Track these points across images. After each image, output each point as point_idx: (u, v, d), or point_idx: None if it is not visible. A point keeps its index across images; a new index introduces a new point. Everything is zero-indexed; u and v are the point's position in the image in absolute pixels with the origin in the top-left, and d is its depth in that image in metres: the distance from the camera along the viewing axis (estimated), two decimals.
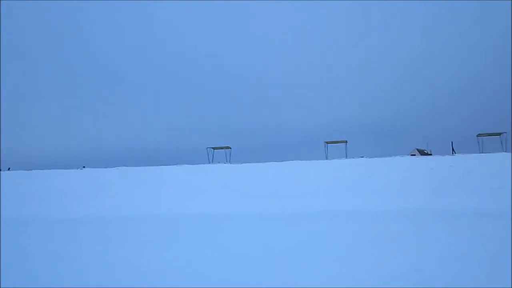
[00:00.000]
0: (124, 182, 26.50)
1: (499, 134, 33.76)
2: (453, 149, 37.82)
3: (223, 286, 5.98)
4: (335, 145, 36.08)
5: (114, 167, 30.72)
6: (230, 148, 37.06)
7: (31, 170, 30.27)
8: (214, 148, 37.30)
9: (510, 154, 27.01)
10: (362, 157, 30.70)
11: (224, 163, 32.65)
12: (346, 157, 33.40)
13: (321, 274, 6.62)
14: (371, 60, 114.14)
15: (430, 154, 39.45)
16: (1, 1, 68.86)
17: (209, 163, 34.55)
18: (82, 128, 79.01)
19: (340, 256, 7.98)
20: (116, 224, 15.51)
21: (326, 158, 32.65)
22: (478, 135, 34.16)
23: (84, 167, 31.90)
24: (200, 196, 22.96)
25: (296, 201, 20.22)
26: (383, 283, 5.92)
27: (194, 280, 6.41)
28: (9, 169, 32.80)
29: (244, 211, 18.84)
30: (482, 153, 29.88)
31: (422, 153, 55.01)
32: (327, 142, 35.46)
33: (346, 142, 34.92)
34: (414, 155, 37.26)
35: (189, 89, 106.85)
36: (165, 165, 31.40)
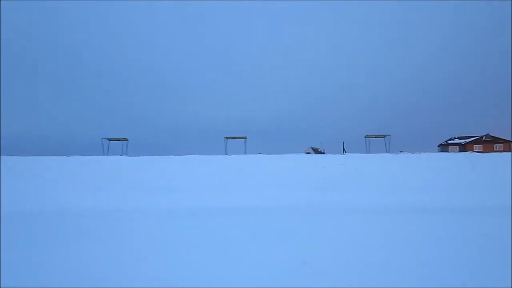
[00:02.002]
0: (11, 173, 24.24)
1: (384, 136, 36.78)
2: (344, 149, 40.38)
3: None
4: (234, 140, 36.52)
5: None
6: (127, 139, 35.68)
7: None
8: (110, 139, 35.60)
9: (392, 154, 29.54)
10: (260, 153, 31.46)
11: (120, 155, 31.34)
12: (245, 152, 33.97)
13: (215, 267, 6.59)
14: (273, 62, 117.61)
15: (323, 153, 41.66)
16: None
17: (104, 154, 32.94)
18: None
19: (234, 251, 8.02)
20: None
21: (226, 153, 32.91)
22: (366, 136, 36.87)
23: None
24: (90, 189, 21.74)
25: (194, 195, 20.04)
26: (273, 276, 6.05)
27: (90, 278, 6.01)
28: None
29: (138, 205, 18.21)
30: (369, 153, 32.24)
31: (316, 151, 57.93)
32: (227, 138, 35.77)
33: (246, 138, 35.52)
34: (309, 153, 39.12)
35: (89, 79, 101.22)
36: (56, 155, 29.34)
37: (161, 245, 8.72)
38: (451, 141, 68.37)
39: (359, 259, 7.20)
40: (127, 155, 31.91)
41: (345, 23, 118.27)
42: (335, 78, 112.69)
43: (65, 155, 29.30)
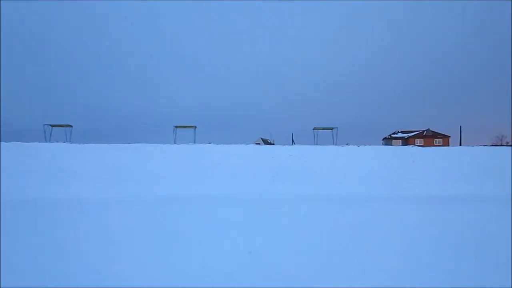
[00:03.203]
0: None
1: (331, 128, 37.60)
2: (293, 140, 40.94)
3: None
4: (184, 130, 36.05)
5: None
6: (71, 126, 34.29)
7: None
8: (52, 126, 34.05)
9: (339, 146, 30.27)
10: (209, 143, 31.24)
11: (64, 142, 30.08)
12: (195, 142, 33.64)
13: (161, 258, 6.50)
14: (223, 50, 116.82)
15: (273, 144, 42.06)
16: None
17: (46, 141, 31.51)
18: None
19: (179, 241, 7.94)
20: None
21: (174, 143, 32.43)
22: (314, 128, 37.55)
23: None
24: (31, 178, 20.77)
25: (141, 185, 19.66)
26: (220, 265, 6.04)
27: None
28: None
29: (83, 195, 17.63)
30: (317, 144, 32.85)
31: (266, 142, 58.36)
32: (176, 127, 35.24)
33: (195, 127, 35.14)
34: (259, 143, 39.34)
35: (33, 63, 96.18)
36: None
37: (101, 235, 8.50)
38: (395, 135, 71.20)
39: (306, 247, 7.34)
40: (71, 142, 30.70)
41: (307, 17, 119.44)
42: (284, 71, 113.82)
43: (3, 141, 27.71)
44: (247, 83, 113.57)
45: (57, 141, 30.90)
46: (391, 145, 50.69)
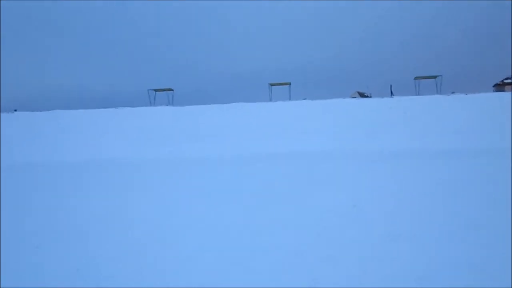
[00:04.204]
0: (60, 127, 25.23)
1: (435, 77, 35.06)
2: (391, 92, 39.03)
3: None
4: (278, 87, 36.08)
5: (47, 110, 29.04)
6: (173, 90, 36.04)
7: None
8: (155, 90, 36.10)
9: (444, 96, 28.27)
10: (305, 99, 30.99)
11: (167, 105, 31.83)
12: (290, 99, 33.58)
13: (264, 213, 6.64)
14: (313, 6, 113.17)
15: (370, 97, 40.53)
16: None
17: (151, 105, 33.55)
18: (11, 67, 73.56)
19: (285, 196, 8.05)
20: (54, 173, 14.82)
21: (270, 100, 32.68)
22: (415, 78, 35.32)
23: (15, 110, 29.98)
24: (143, 140, 22.34)
25: (241, 144, 20.19)
26: (324, 218, 6.02)
27: (134, 229, 6.23)
28: None
29: (189, 155, 18.60)
30: (419, 95, 31.00)
31: (362, 95, 56.47)
32: (271, 84, 35.34)
33: (290, 84, 34.96)
34: (355, 97, 38.15)
35: (129, 30, 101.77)
36: (103, 107, 30.13)
37: (201, 193, 8.88)
38: (508, 81, 64.50)
39: (408, 205, 7.05)
40: (173, 105, 32.38)
41: None
42: (380, 19, 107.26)
43: (113, 107, 30.03)
44: (339, 35, 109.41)
45: (160, 105, 32.80)
46: (504, 91, 46.17)
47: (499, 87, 63.01)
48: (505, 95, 29.09)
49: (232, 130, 23.23)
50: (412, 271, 3.93)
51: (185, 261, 4.47)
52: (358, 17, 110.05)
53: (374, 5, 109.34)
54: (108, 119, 26.89)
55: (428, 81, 36.40)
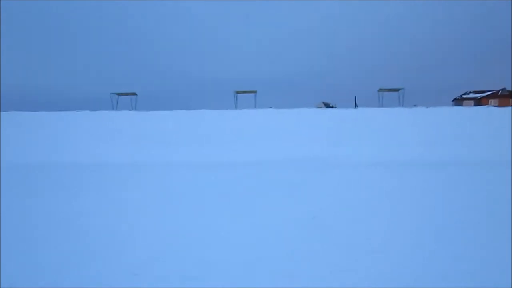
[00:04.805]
0: (18, 129, 24.17)
1: (398, 90, 35.86)
2: (356, 103, 39.64)
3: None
4: (244, 95, 35.96)
5: (4, 111, 27.84)
6: (136, 94, 35.29)
7: None
8: (118, 94, 35.24)
9: (406, 108, 28.86)
10: (270, 107, 30.96)
11: (129, 110, 31.08)
12: (255, 107, 33.50)
13: (220, 222, 6.35)
14: (281, 18, 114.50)
15: (335, 107, 41.00)
16: None
17: (113, 109, 32.70)
18: None
19: (247, 203, 7.78)
20: (6, 174, 14.03)
21: (236, 108, 32.49)
22: (379, 90, 35.98)
23: None
24: (103, 144, 21.64)
25: (204, 150, 19.85)
26: (284, 229, 5.78)
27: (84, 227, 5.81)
28: None
29: (151, 159, 18.09)
30: (382, 107, 31.53)
31: (328, 106, 57.14)
32: (237, 92, 35.19)
33: (256, 92, 34.89)
34: (320, 107, 38.48)
35: (94, 34, 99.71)
36: (64, 110, 29.14)
37: (163, 198, 8.52)
38: (466, 96, 66.95)
39: (364, 212, 6.91)
40: (136, 109, 31.68)
41: None
42: (348, 32, 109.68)
43: (74, 110, 29.09)
44: (308, 47, 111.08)
45: (123, 109, 32.01)
46: (462, 106, 47.76)
47: (458, 101, 65.22)
48: (463, 109, 30.00)
49: (196, 136, 22.85)
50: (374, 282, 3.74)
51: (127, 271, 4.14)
52: (324, 30, 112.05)
53: (341, 20, 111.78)
54: (68, 122, 25.98)
55: (391, 94, 37.17)
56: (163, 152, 19.76)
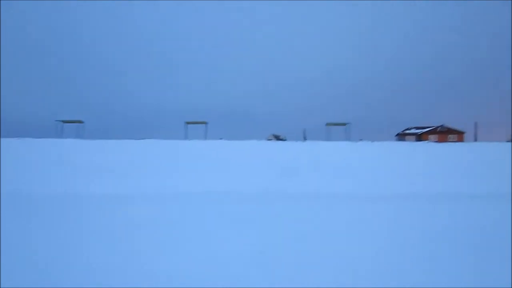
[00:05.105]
0: None
1: (344, 124, 37.14)
2: (305, 136, 40.51)
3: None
4: (195, 126, 35.91)
5: None
6: (82, 122, 34.33)
7: None
8: (64, 122, 34.14)
9: (352, 142, 29.82)
10: (221, 139, 31.06)
11: (75, 138, 30.13)
12: (206, 138, 33.48)
13: (168, 254, 6.22)
14: (233, 48, 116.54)
15: (285, 140, 41.68)
16: None
17: (58, 137, 31.55)
18: None
19: (192, 235, 7.67)
20: None
21: (186, 138, 32.32)
22: (327, 124, 37.13)
23: None
24: (44, 173, 20.70)
25: (152, 181, 19.45)
26: (229, 263, 5.74)
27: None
28: None
29: (94, 191, 17.47)
30: (329, 140, 32.43)
31: (278, 138, 57.96)
32: (187, 123, 35.09)
33: (206, 123, 34.94)
34: (270, 139, 39.01)
35: (40, 59, 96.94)
36: (5, 137, 27.81)
37: (109, 231, 8.25)
38: (408, 131, 70.24)
39: (312, 245, 7.01)
40: (82, 138, 30.76)
41: (312, 19, 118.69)
42: (295, 68, 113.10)
43: (16, 137, 27.83)
44: (259, 80, 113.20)
45: (68, 137, 30.96)
46: (405, 141, 49.94)
47: (401, 136, 68.23)
48: (405, 144, 31.44)
49: (143, 166, 22.39)
50: None
51: None
52: (275, 62, 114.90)
53: (290, 54, 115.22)
54: (7, 149, 24.74)
55: (338, 128, 38.41)
56: (107, 182, 19.17)
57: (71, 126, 35.09)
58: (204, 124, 34.97)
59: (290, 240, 7.57)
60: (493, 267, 5.90)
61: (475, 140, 47.32)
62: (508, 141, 39.66)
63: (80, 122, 34.27)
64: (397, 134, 70.33)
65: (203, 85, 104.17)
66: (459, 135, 65.55)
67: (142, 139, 28.87)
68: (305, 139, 37.06)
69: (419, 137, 65.09)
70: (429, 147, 28.76)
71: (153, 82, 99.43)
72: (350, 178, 20.12)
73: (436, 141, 43.37)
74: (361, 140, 33.05)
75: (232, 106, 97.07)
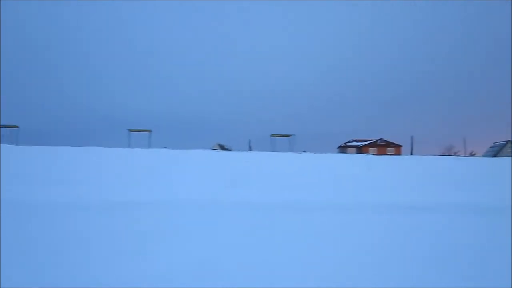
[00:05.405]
0: None
1: (288, 136, 37.88)
2: (250, 146, 40.84)
3: None
4: (138, 133, 35.20)
5: None
6: (18, 127, 32.65)
7: None
8: None
9: (296, 153, 30.39)
10: (165, 147, 30.62)
11: (9, 144, 28.58)
12: (150, 146, 32.90)
13: (100, 261, 6.08)
14: (180, 55, 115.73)
15: (230, 150, 41.78)
16: None
17: None
18: None
19: (135, 248, 7.52)
20: None
21: (129, 146, 31.59)
22: (271, 135, 37.68)
23: None
24: None
25: (92, 189, 18.82)
26: (168, 274, 5.69)
27: None
28: None
29: (31, 198, 16.64)
30: (274, 151, 32.88)
31: (223, 148, 57.93)
32: (131, 130, 34.34)
33: (151, 131, 34.37)
34: (216, 149, 38.96)
35: None
36: None
37: (45, 239, 7.93)
38: (350, 143, 72.62)
39: (254, 254, 7.11)
40: (17, 144, 29.22)
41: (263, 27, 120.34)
42: (240, 78, 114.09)
43: None
44: (204, 89, 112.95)
45: (2, 143, 29.28)
46: (346, 153, 51.59)
47: (343, 148, 70.37)
48: (346, 156, 32.52)
49: (84, 174, 21.63)
50: None
51: None
52: (219, 71, 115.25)
53: (237, 64, 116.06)
54: None
55: (283, 139, 39.07)
56: (44, 190, 18.34)
57: (4, 131, 33.27)
58: (148, 132, 34.34)
59: (233, 249, 7.62)
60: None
61: (411, 153, 49.66)
62: (441, 155, 42.03)
63: (15, 127, 32.56)
64: (339, 146, 72.48)
65: (148, 92, 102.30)
66: (396, 148, 68.57)
67: (82, 146, 27.88)
68: (250, 149, 37.36)
69: (360, 150, 67.45)
70: (369, 159, 29.90)
71: (95, 87, 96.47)
72: (293, 188, 20.49)
73: (375, 154, 45.13)
74: (304, 151, 33.79)
75: (178, 114, 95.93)
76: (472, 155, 51.79)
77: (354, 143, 72.14)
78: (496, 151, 60.66)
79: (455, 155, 53.43)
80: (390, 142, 69.75)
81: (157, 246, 7.68)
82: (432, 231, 10.57)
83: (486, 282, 5.75)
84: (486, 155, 56.22)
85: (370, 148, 67.70)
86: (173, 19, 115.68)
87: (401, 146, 68.84)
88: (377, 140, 70.41)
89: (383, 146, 68.80)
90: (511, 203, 16.56)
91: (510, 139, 61.18)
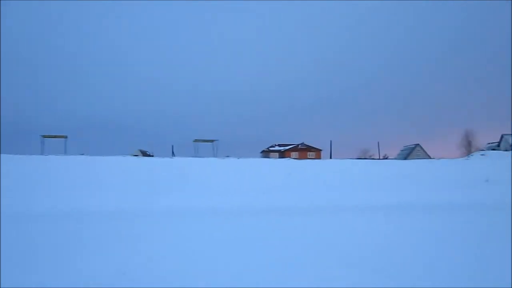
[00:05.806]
0: None
1: (212, 141, 37.85)
2: (173, 152, 40.21)
3: None
4: (53, 140, 33.32)
5: None
6: None
7: None
8: None
9: (219, 158, 30.45)
10: (82, 154, 29.27)
11: None
12: (65, 153, 31.29)
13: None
14: (99, 60, 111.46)
15: (152, 156, 40.84)
16: None
17: None
18: None
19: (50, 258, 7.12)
20: None
21: (42, 154, 29.77)
22: (194, 140, 37.44)
23: None
24: None
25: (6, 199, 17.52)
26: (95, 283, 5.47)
27: None
28: None
29: None
30: (197, 157, 32.66)
31: (145, 154, 56.47)
32: (44, 136, 32.41)
33: (66, 137, 32.68)
34: (137, 155, 37.89)
35: None
36: None
37: None
38: (272, 148, 74.08)
39: (179, 261, 7.05)
40: None
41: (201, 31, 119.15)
42: (164, 83, 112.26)
43: None
44: (125, 91, 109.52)
45: None
46: (269, 157, 52.56)
47: (266, 153, 71.55)
48: (269, 161, 33.20)
49: None
50: None
51: None
52: (143, 76, 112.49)
53: (158, 66, 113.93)
54: None
55: (206, 144, 38.98)
56: None
57: None
58: (64, 139, 32.59)
59: (156, 256, 7.49)
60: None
61: (331, 157, 51.69)
62: (357, 158, 44.23)
63: None
64: (262, 151, 73.66)
65: (65, 96, 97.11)
66: (317, 152, 71.08)
67: None
68: (173, 154, 36.82)
69: (282, 154, 69.02)
70: (291, 163, 30.74)
71: (7, 90, 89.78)
72: (217, 193, 20.54)
73: (297, 158, 46.47)
74: (228, 156, 33.94)
75: (97, 118, 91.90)
76: (385, 158, 54.93)
77: (277, 148, 73.66)
78: (407, 154, 65.17)
79: (370, 158, 56.40)
80: (310, 146, 72.11)
81: (72, 254, 7.34)
82: (353, 231, 11.11)
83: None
84: (398, 157, 60.11)
85: (292, 153, 69.54)
86: (88, 18, 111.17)
87: (321, 150, 71.45)
88: (299, 144, 72.48)
89: (304, 151, 70.92)
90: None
91: (418, 143, 66.11)
